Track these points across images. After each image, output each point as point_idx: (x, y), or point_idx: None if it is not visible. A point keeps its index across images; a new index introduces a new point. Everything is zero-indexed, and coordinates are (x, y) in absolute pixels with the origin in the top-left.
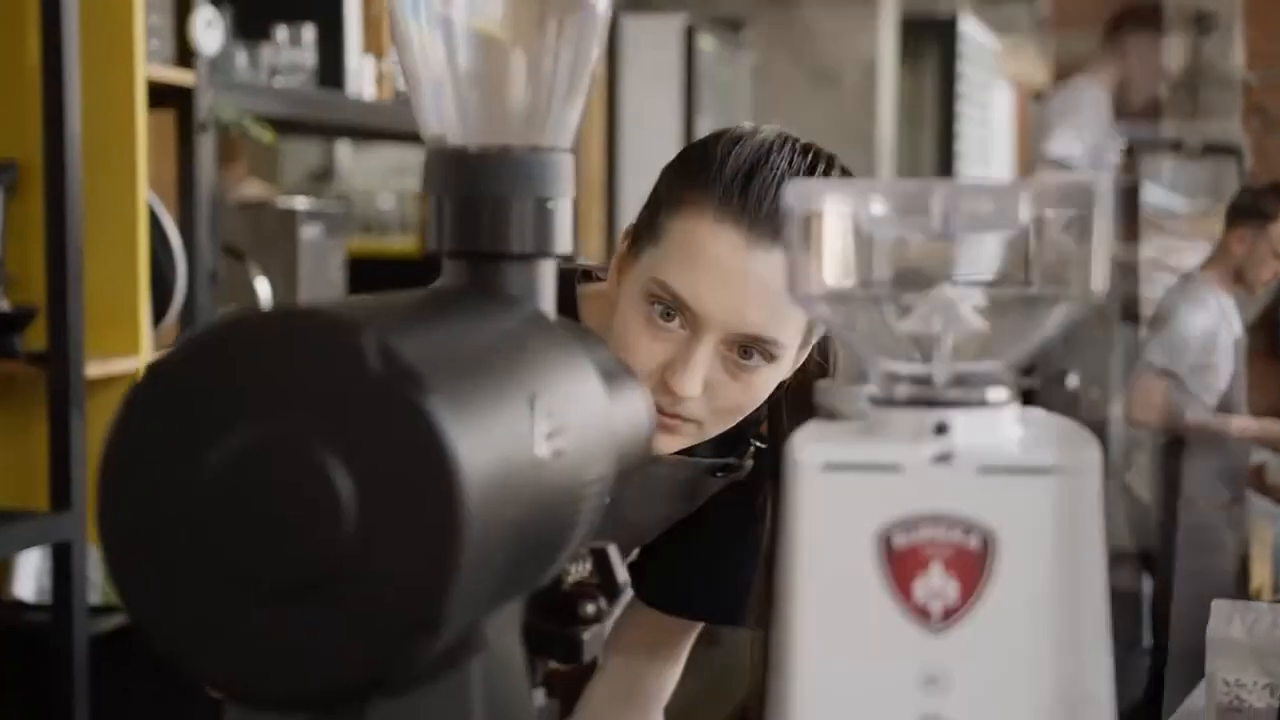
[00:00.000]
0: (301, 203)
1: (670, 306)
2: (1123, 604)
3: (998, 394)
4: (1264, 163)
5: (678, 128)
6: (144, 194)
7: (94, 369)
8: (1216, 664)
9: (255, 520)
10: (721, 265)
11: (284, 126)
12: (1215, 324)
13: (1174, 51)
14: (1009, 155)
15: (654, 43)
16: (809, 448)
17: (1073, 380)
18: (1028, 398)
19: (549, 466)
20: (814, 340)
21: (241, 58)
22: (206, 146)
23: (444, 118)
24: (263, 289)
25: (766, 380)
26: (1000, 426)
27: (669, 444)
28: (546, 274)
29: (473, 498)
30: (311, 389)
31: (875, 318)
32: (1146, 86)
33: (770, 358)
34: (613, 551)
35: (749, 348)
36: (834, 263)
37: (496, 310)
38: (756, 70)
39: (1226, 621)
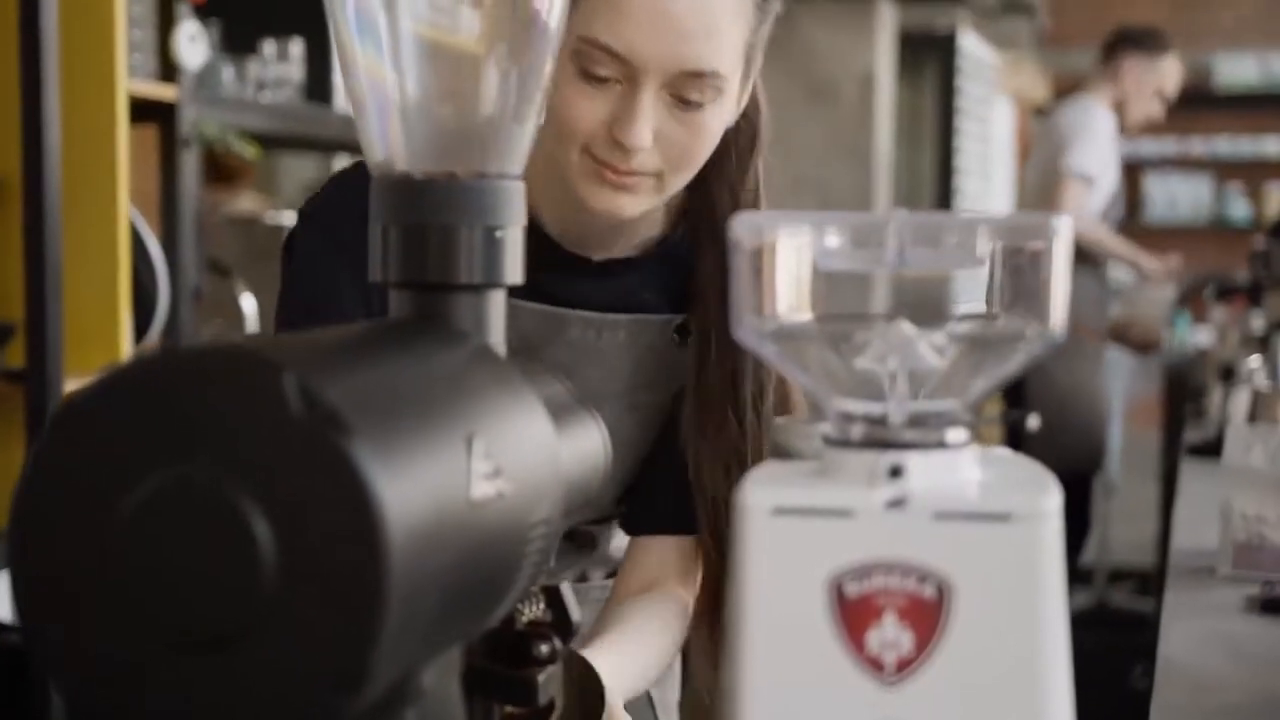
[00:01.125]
0: (290, 218)
1: (602, 65)
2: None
3: (956, 435)
4: None
5: None
6: (125, 209)
7: (73, 387)
8: (1234, 496)
9: (171, 568)
10: (647, 5)
11: (271, 141)
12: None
13: (1170, 73)
14: (1009, 170)
15: None
16: (758, 491)
17: (1033, 421)
18: (1013, 432)
19: (488, 509)
20: (754, 75)
21: (228, 72)
22: (189, 162)
23: (389, 143)
24: (248, 305)
25: (713, 121)
26: (958, 469)
27: (631, 204)
28: (496, 306)
29: (399, 544)
30: (230, 432)
31: (829, 354)
32: (1143, 108)
33: (715, 93)
34: (566, 590)
35: (689, 94)
36: (786, 297)
37: (439, 344)
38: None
39: (1245, 448)
